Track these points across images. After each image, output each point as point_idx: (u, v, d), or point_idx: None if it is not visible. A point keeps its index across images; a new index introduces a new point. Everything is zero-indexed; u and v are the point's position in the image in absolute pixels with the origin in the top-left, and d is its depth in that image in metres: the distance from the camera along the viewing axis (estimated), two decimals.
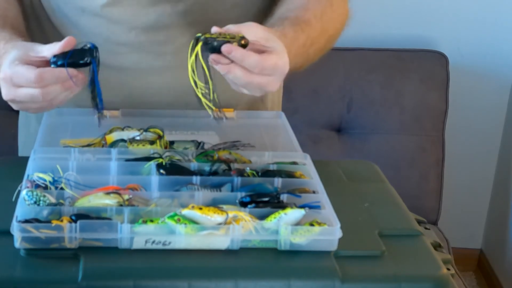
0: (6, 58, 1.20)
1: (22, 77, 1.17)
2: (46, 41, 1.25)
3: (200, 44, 1.16)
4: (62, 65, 1.17)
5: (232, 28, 1.17)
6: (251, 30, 1.17)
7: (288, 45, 1.22)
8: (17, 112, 1.34)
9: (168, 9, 1.37)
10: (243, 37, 1.15)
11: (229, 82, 1.20)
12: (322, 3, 1.38)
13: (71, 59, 1.17)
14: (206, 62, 1.16)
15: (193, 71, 1.17)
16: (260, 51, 1.17)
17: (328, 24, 1.37)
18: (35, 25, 1.46)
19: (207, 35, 1.15)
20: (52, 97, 1.18)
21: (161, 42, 1.41)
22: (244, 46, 1.15)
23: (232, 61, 1.15)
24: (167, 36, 1.40)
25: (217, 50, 1.15)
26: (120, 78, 1.43)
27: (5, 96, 1.20)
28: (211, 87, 1.18)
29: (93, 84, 1.21)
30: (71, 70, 1.17)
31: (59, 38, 1.40)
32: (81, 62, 1.18)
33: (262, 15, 1.44)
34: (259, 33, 1.18)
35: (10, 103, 1.21)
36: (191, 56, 1.16)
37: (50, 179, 1.14)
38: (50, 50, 1.18)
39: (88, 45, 1.19)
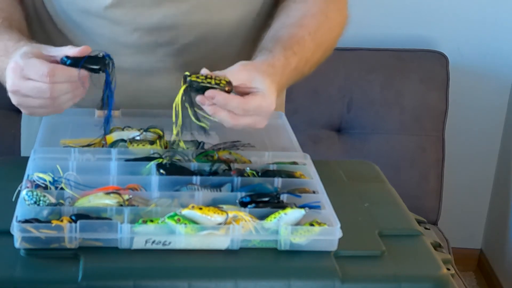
0: (17, 52, 1.20)
1: (34, 70, 1.17)
2: (49, 43, 1.26)
3: (184, 86, 1.19)
4: (72, 65, 1.18)
5: (217, 73, 1.20)
6: (236, 74, 1.20)
7: (278, 73, 1.26)
8: (18, 112, 1.34)
9: (171, 10, 1.37)
10: (229, 83, 1.18)
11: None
12: (317, 17, 1.38)
13: (85, 63, 1.19)
14: (190, 102, 1.20)
15: (182, 106, 1.20)
16: (245, 92, 1.20)
17: (323, 38, 1.38)
18: (38, 27, 1.46)
19: (194, 78, 1.18)
20: (58, 94, 1.19)
21: (164, 43, 1.41)
22: (228, 92, 1.19)
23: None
24: (170, 37, 1.40)
25: (202, 92, 1.19)
26: (122, 78, 1.42)
27: (10, 87, 1.20)
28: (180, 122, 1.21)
29: (105, 93, 1.24)
30: (83, 72, 1.18)
31: (62, 39, 1.41)
32: (93, 68, 1.20)
33: (263, 16, 1.44)
34: (244, 75, 1.21)
35: (11, 95, 1.21)
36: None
37: (50, 179, 1.14)
38: (65, 52, 1.19)
39: (102, 53, 1.21)
